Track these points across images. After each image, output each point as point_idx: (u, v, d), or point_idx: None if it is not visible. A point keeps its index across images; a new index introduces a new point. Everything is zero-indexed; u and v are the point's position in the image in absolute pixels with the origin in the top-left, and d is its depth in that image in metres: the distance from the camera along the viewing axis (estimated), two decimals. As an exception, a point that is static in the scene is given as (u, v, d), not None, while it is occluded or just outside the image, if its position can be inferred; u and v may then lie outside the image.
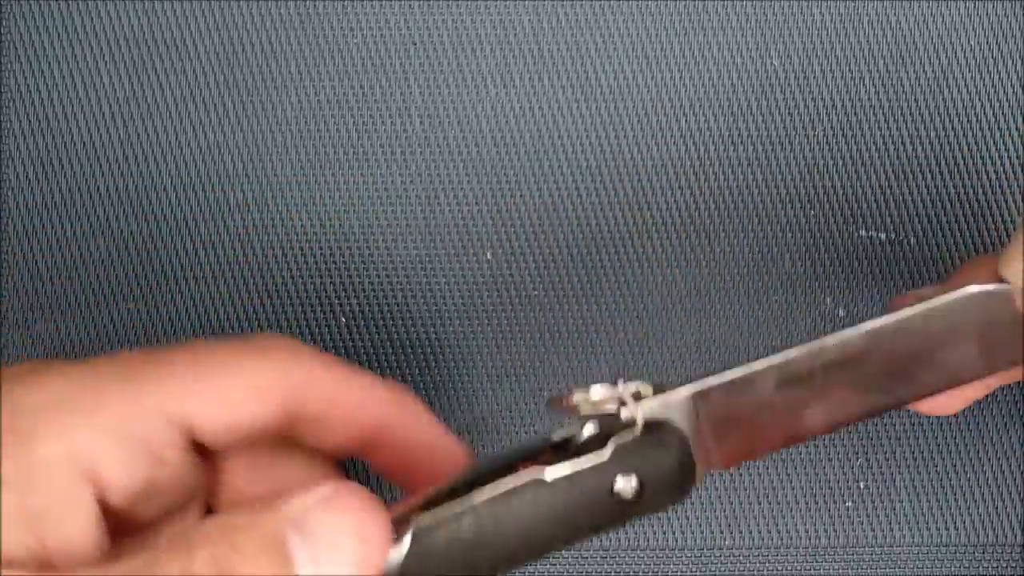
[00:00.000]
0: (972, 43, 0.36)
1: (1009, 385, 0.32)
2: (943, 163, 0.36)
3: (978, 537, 0.36)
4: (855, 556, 0.36)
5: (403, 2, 0.36)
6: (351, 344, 0.36)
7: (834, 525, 0.36)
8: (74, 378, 0.24)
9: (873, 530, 0.36)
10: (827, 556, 0.36)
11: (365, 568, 0.23)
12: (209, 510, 0.27)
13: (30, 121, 0.36)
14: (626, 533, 0.36)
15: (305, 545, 0.22)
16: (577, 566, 0.36)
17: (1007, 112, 0.36)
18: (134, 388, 0.24)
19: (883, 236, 0.36)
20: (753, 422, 0.26)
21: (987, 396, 0.34)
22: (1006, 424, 0.36)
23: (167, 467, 0.24)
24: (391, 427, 0.26)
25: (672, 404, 0.25)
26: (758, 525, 0.36)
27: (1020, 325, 0.27)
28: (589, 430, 0.25)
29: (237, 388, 0.24)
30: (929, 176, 0.36)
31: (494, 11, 0.36)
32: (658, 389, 0.25)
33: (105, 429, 0.23)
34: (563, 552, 0.36)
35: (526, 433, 0.36)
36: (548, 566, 0.36)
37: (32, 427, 0.23)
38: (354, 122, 0.36)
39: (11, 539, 0.22)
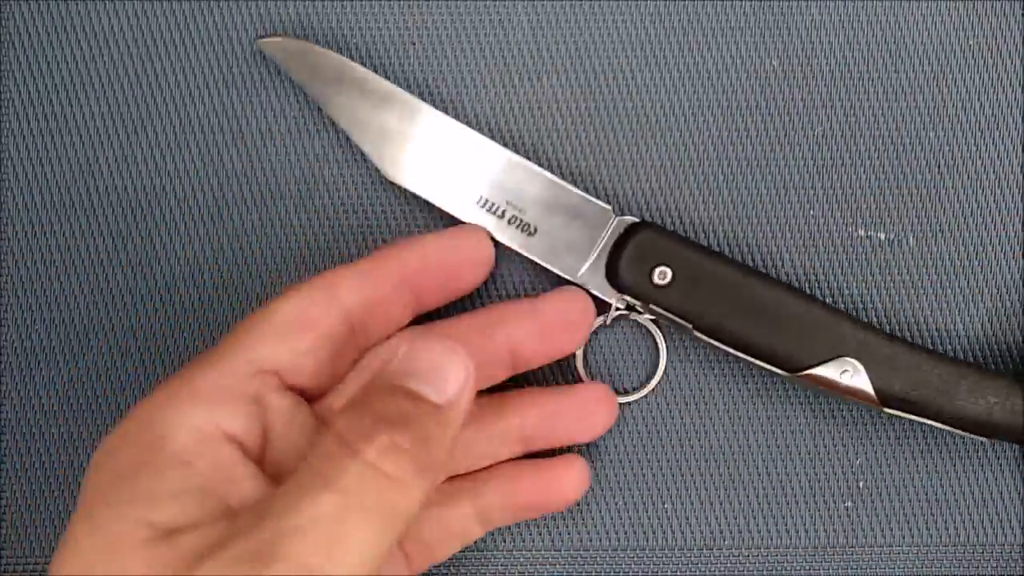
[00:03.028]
0: (972, 43, 0.36)
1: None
2: (943, 163, 0.36)
3: (978, 537, 0.36)
4: (855, 556, 0.36)
5: (403, 2, 0.36)
6: (351, 344, 0.36)
7: (834, 525, 0.36)
8: (174, 380, 0.29)
9: (873, 530, 0.36)
10: (827, 556, 0.36)
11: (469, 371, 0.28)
12: None
13: (30, 121, 0.36)
14: (626, 533, 0.36)
15: (424, 380, 0.27)
16: (577, 566, 0.36)
17: (1007, 112, 0.36)
18: (218, 365, 0.30)
19: (882, 236, 0.36)
20: None
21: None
22: (1006, 424, 0.36)
23: (276, 410, 0.30)
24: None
25: None
26: (758, 525, 0.36)
27: None
28: None
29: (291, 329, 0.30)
30: (929, 176, 0.36)
31: (494, 11, 0.36)
32: None
33: (213, 403, 0.29)
34: (562, 551, 0.36)
35: (526, 433, 0.36)
36: (548, 565, 0.36)
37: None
38: (354, 122, 0.36)
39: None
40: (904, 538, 0.36)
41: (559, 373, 0.36)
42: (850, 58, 0.36)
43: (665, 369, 0.36)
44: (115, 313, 0.36)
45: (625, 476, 0.36)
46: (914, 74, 0.36)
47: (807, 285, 0.36)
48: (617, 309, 0.34)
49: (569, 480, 0.34)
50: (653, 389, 0.36)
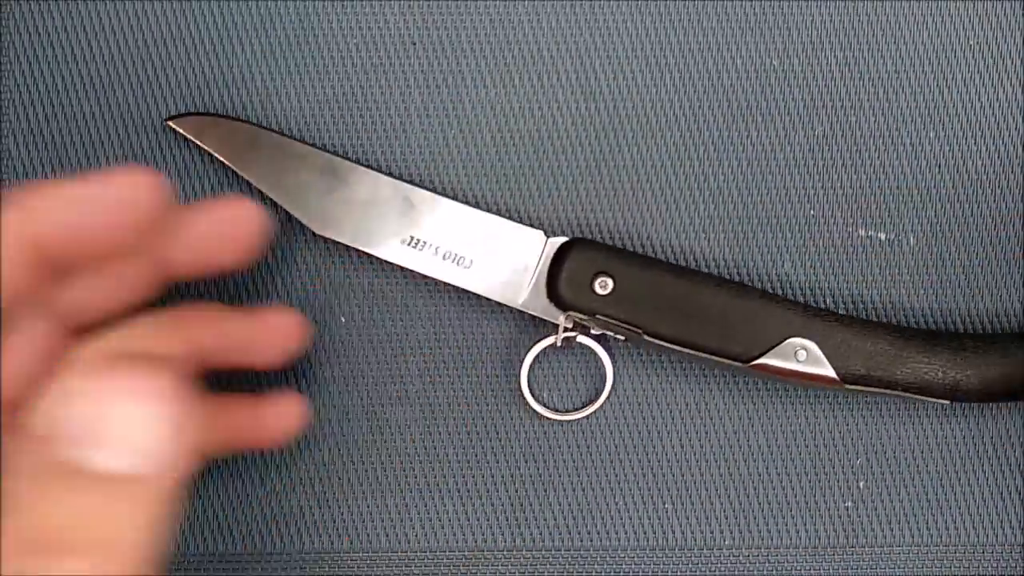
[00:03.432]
0: (972, 43, 0.36)
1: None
2: (943, 163, 0.36)
3: (978, 537, 0.36)
4: (855, 556, 0.36)
5: (403, 2, 0.36)
6: (351, 344, 0.36)
7: (834, 525, 0.36)
8: None
9: (873, 530, 0.36)
10: (827, 556, 0.36)
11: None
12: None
13: (30, 121, 0.36)
14: (626, 533, 0.36)
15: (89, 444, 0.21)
16: (577, 565, 0.36)
17: (1007, 112, 0.36)
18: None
19: (883, 236, 0.36)
20: None
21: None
22: (1006, 424, 0.36)
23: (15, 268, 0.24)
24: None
25: None
26: (758, 525, 0.36)
27: None
28: None
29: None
30: (929, 176, 0.36)
31: (494, 11, 0.36)
32: None
33: None
34: (562, 551, 0.36)
35: (525, 431, 0.36)
36: (548, 565, 0.36)
37: None
38: (354, 122, 0.36)
39: None
40: (904, 538, 0.36)
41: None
42: (850, 58, 0.36)
43: (613, 385, 0.35)
44: (115, 313, 0.36)
45: (625, 476, 0.36)
46: (914, 74, 0.36)
47: (807, 285, 0.36)
48: (566, 329, 0.34)
49: (279, 414, 0.32)
50: (602, 406, 0.36)
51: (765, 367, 0.33)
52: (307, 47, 0.36)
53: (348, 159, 0.35)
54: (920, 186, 0.36)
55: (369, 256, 0.35)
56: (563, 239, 0.34)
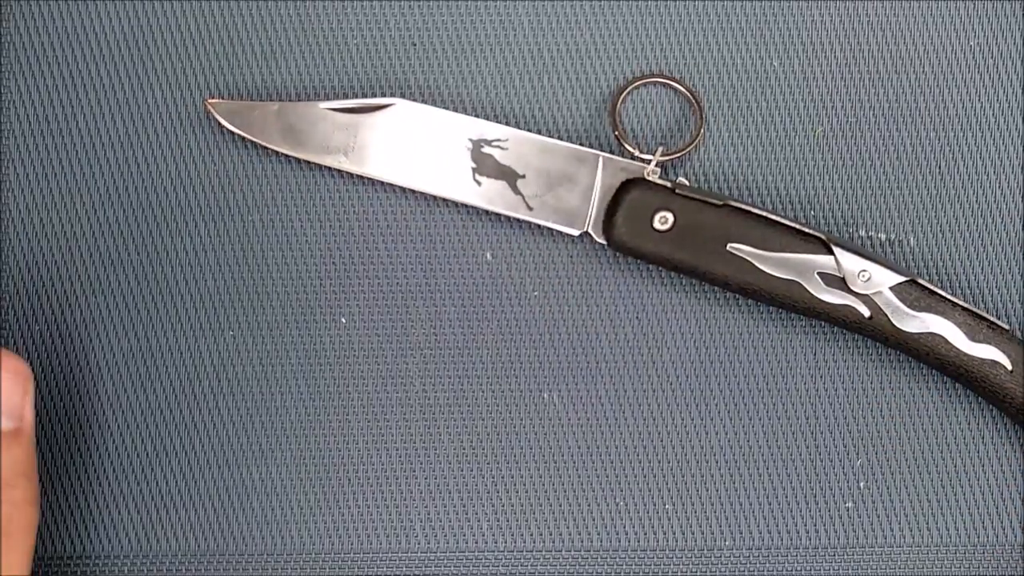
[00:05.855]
0: (972, 43, 0.36)
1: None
2: (943, 163, 0.36)
3: (978, 537, 0.36)
4: (855, 556, 0.36)
5: (403, 2, 0.36)
6: (351, 344, 0.36)
7: (834, 525, 0.36)
8: None
9: (873, 530, 0.36)
10: (827, 556, 0.36)
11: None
12: None
13: (30, 121, 0.36)
14: (626, 533, 0.36)
15: None
16: (577, 566, 0.36)
17: (1007, 112, 0.36)
18: None
19: (883, 236, 0.36)
20: None
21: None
22: (1006, 424, 0.36)
23: None
24: None
25: None
26: (758, 525, 0.36)
27: None
28: None
29: None
30: (929, 176, 0.36)
31: (494, 11, 0.36)
32: None
33: None
34: (562, 551, 0.36)
35: (525, 431, 0.36)
36: (548, 565, 0.36)
37: None
38: (354, 122, 0.36)
39: None
40: (904, 538, 0.36)
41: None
42: (850, 58, 0.36)
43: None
44: (115, 313, 0.36)
45: (625, 476, 0.36)
46: (914, 74, 0.36)
47: (807, 285, 0.36)
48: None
49: None
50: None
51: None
52: (307, 47, 0.36)
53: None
54: (920, 186, 0.36)
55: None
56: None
